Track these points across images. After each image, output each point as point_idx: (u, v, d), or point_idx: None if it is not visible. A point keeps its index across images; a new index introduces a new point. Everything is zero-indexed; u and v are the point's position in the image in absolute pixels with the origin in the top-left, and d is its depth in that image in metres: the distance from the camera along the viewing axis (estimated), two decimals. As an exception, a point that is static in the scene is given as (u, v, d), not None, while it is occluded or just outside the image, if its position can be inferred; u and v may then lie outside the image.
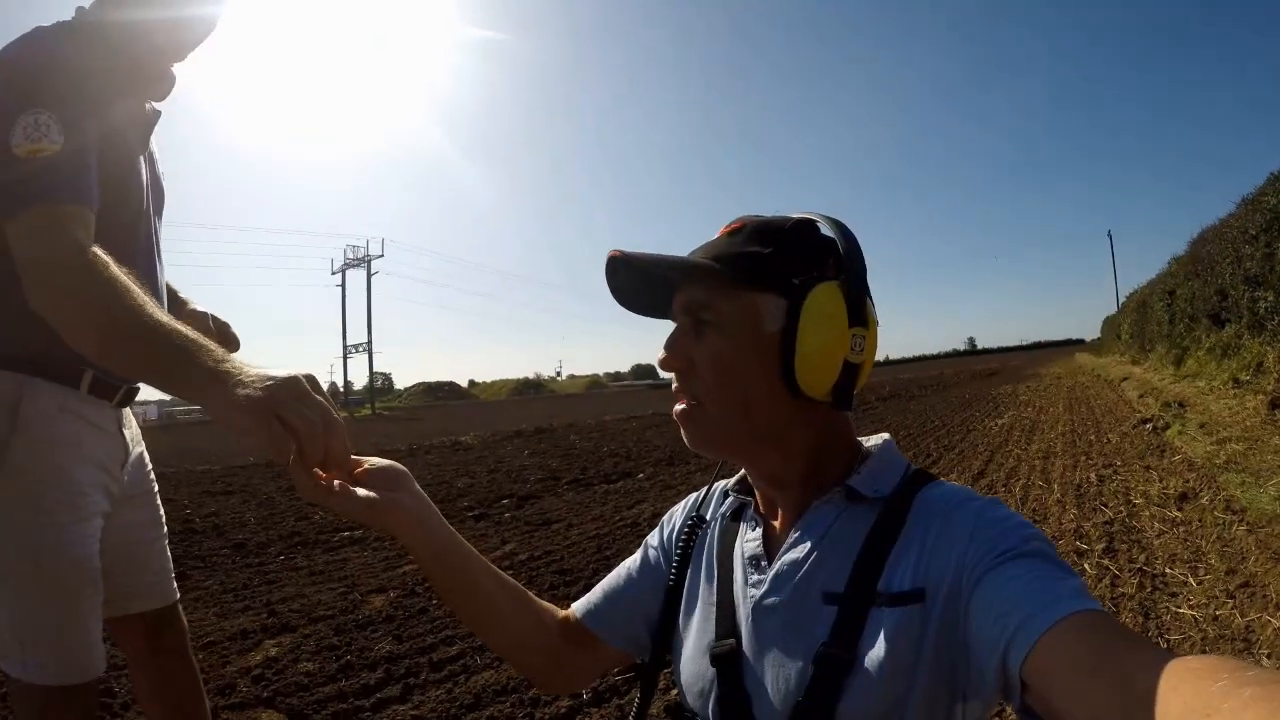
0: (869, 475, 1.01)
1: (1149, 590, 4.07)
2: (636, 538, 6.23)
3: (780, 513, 1.06)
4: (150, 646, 2.04)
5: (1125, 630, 0.70)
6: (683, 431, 1.03)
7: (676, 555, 1.16)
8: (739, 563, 1.07)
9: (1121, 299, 43.73)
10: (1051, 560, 0.82)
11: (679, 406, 1.03)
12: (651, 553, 1.24)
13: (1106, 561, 4.58)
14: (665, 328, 1.06)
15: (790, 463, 1.02)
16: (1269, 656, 3.18)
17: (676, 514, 1.26)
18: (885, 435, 1.11)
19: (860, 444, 1.09)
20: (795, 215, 1.03)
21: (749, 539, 1.08)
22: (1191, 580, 4.11)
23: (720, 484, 1.21)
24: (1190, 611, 3.70)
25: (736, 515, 1.15)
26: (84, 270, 1.32)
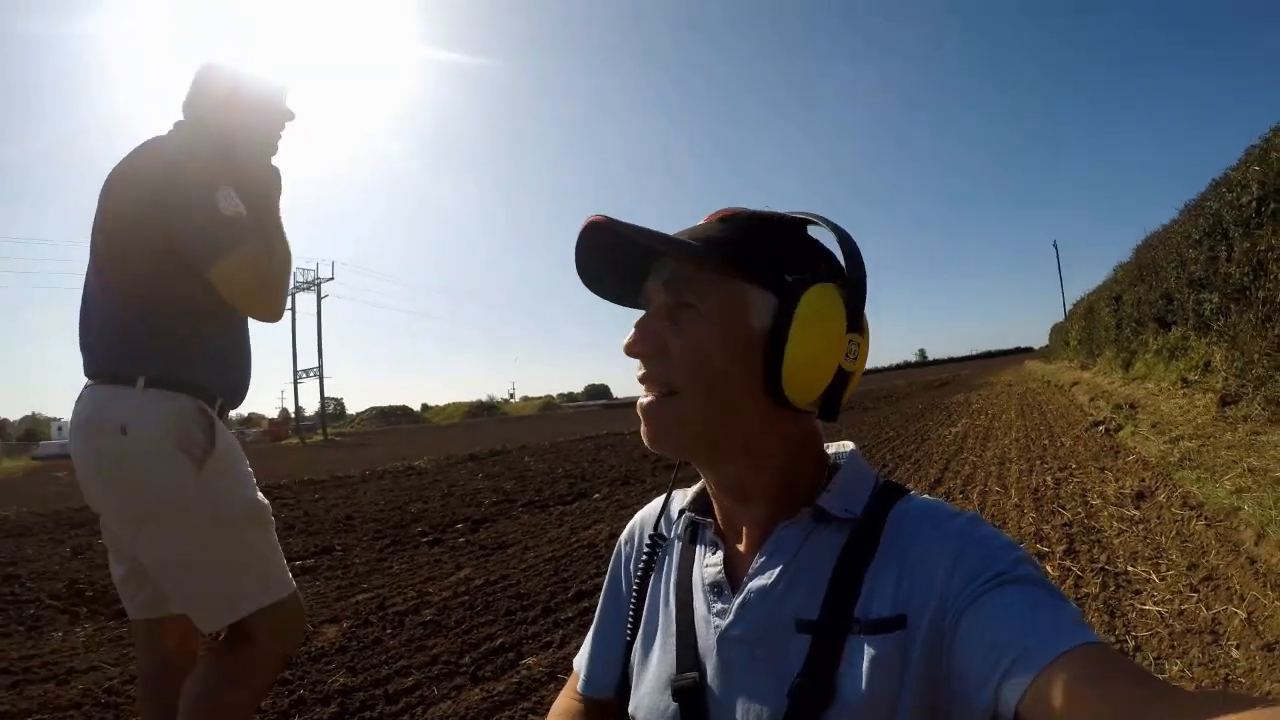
0: (839, 493, 0.94)
1: (1112, 589, 4.06)
2: (594, 559, 6.17)
3: (743, 532, 0.98)
4: (180, 650, 2.44)
5: (1131, 665, 0.65)
6: (647, 425, 0.91)
7: (636, 578, 1.08)
8: (699, 590, 0.98)
9: (1068, 306, 44.59)
10: (1044, 586, 0.76)
11: (646, 398, 0.92)
12: (611, 585, 1.16)
13: (1069, 563, 4.58)
14: (619, 335, 0.95)
15: (760, 474, 0.94)
16: (1237, 647, 3.18)
17: (635, 530, 1.16)
18: (849, 444, 1.03)
19: (828, 456, 1.01)
20: (792, 212, 0.95)
21: (709, 564, 0.99)
22: (1154, 577, 4.11)
23: (678, 495, 1.12)
24: (1155, 608, 3.70)
25: (693, 537, 1.05)
26: (280, 281, 2.29)
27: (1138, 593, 3.97)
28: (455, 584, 5.77)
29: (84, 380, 2.18)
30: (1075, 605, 0.74)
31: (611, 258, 0.94)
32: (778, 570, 0.90)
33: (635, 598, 1.06)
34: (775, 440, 0.93)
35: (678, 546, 1.06)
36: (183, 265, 2.10)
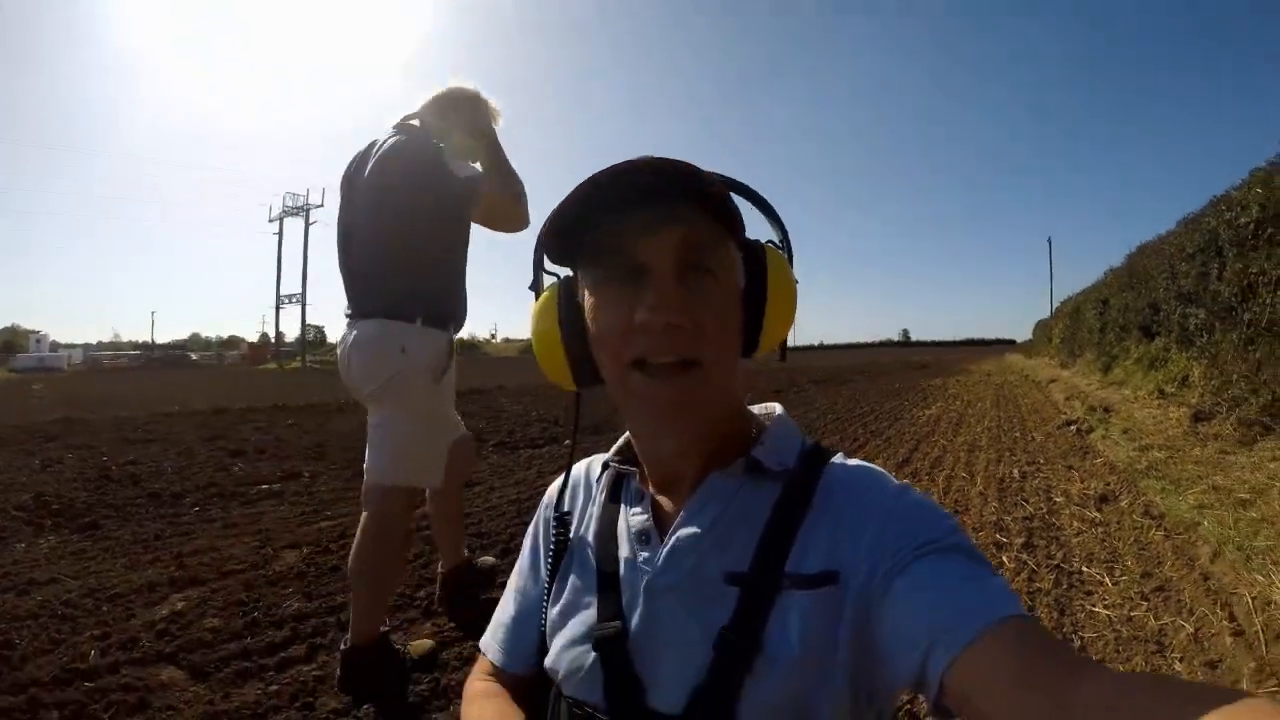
0: (771, 447, 0.95)
1: (1065, 587, 4.11)
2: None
3: (670, 485, 0.99)
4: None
5: (1055, 640, 0.67)
6: (673, 405, 0.87)
7: (549, 554, 1.06)
8: (624, 539, 0.98)
9: (1056, 304, 44.77)
10: (974, 557, 0.78)
11: (665, 360, 0.85)
12: (529, 555, 1.13)
13: (1025, 556, 4.62)
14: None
15: (714, 428, 0.95)
16: (1180, 660, 3.22)
17: (548, 497, 1.15)
18: (777, 405, 1.06)
19: (755, 413, 1.04)
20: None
21: (634, 513, 0.99)
22: (1107, 580, 4.16)
23: (581, 465, 1.12)
24: (1105, 611, 3.75)
25: (615, 490, 1.05)
26: (518, 201, 3.25)
27: (1089, 594, 4.02)
28: (417, 518, 5.81)
29: (340, 307, 3.24)
30: (1004, 578, 0.75)
31: (620, 200, 0.86)
32: (709, 521, 0.91)
33: (550, 568, 1.05)
34: (734, 392, 0.97)
35: (597, 501, 1.06)
36: (445, 222, 3.13)
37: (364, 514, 3.21)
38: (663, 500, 0.99)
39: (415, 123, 3.24)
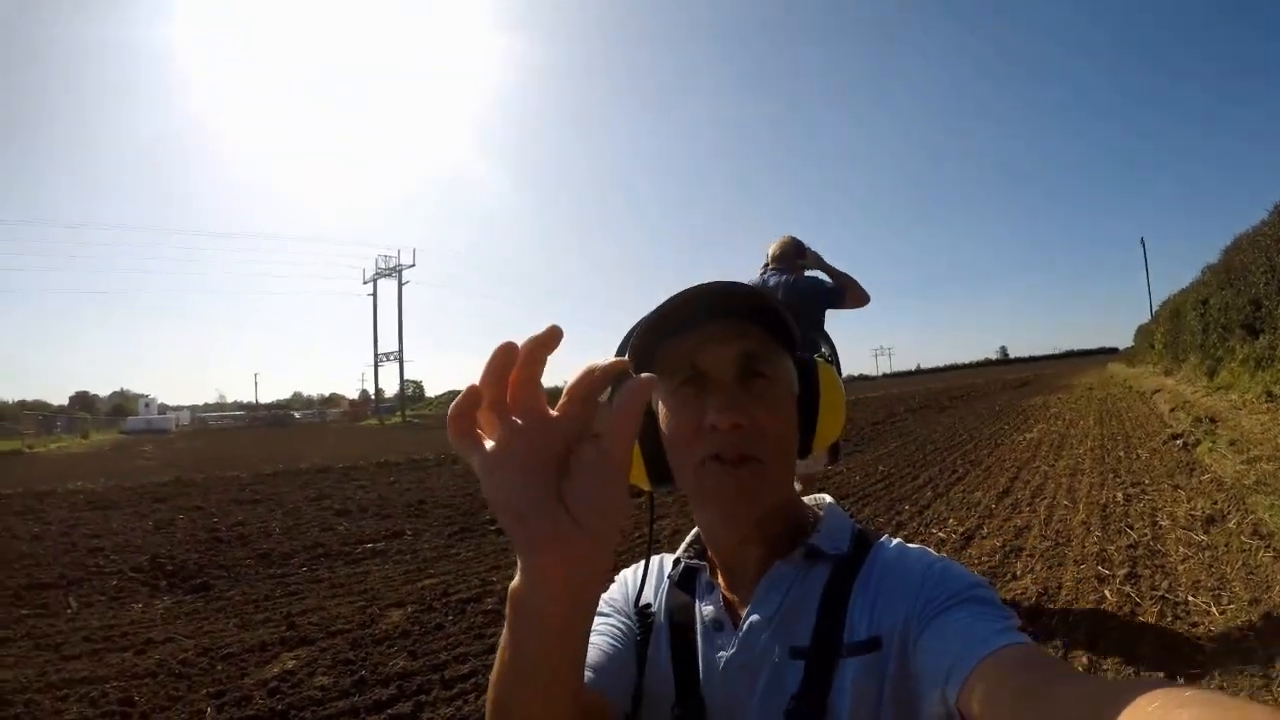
0: (827, 534, 1.04)
1: (1169, 619, 4.01)
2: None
3: (736, 575, 1.07)
4: None
5: (1050, 659, 0.77)
6: (739, 495, 0.96)
7: (637, 620, 1.12)
8: (699, 628, 1.06)
9: (1155, 307, 43.13)
10: (993, 605, 0.86)
11: (728, 465, 0.94)
12: (612, 617, 1.15)
13: (1128, 588, 4.51)
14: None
15: (774, 520, 1.04)
16: (1285, 692, 3.12)
17: (628, 579, 1.20)
18: (826, 496, 1.16)
19: (808, 504, 1.13)
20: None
21: (707, 603, 1.07)
22: (1214, 609, 4.04)
23: (654, 562, 1.17)
24: (1210, 644, 3.64)
25: (686, 582, 1.13)
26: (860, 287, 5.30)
27: (1195, 625, 3.90)
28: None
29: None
30: (1015, 618, 0.83)
31: (685, 311, 0.97)
32: (775, 605, 1.00)
33: (637, 658, 1.08)
34: (791, 488, 1.07)
35: (666, 590, 1.14)
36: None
37: None
38: (731, 593, 1.07)
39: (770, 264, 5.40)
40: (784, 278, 5.18)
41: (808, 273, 5.29)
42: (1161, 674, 3.43)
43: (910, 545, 1.04)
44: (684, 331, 0.98)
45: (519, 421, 0.57)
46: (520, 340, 0.57)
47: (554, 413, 0.57)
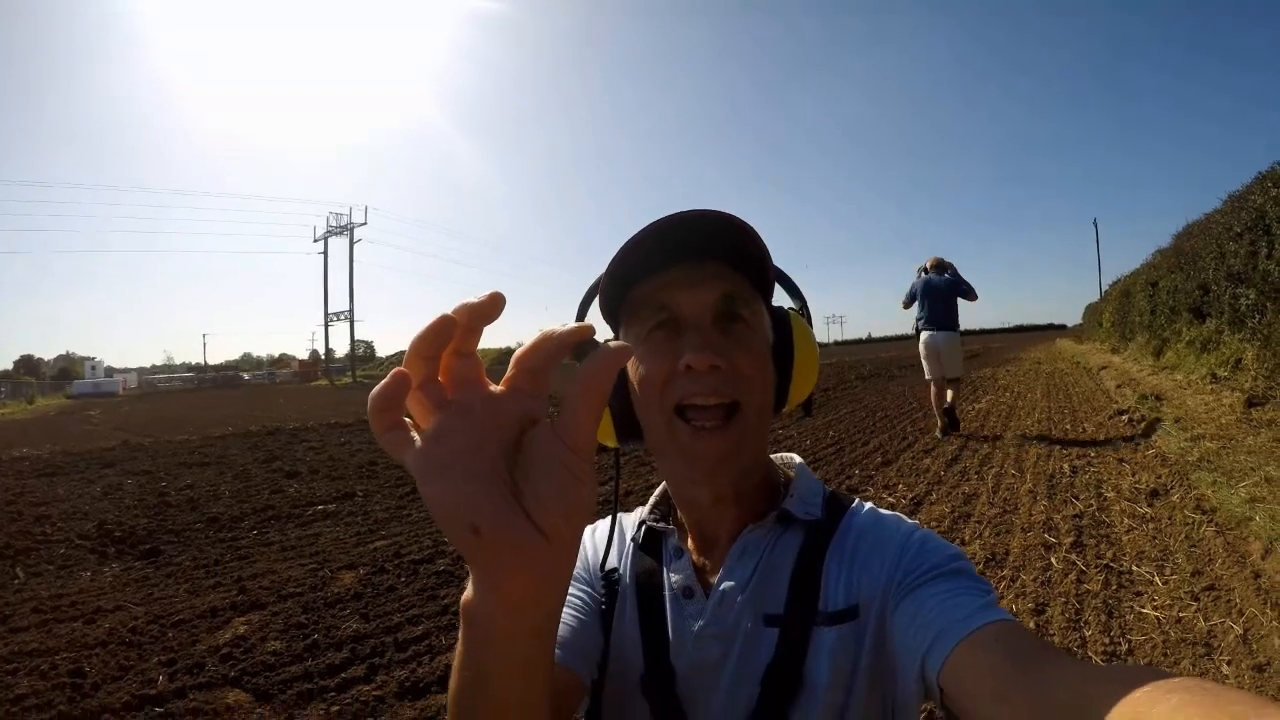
0: (799, 498, 1.02)
1: (1114, 588, 4.09)
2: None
3: (707, 538, 1.04)
4: None
5: (1037, 639, 0.73)
6: (721, 443, 0.91)
7: (601, 586, 1.08)
8: (667, 594, 1.03)
9: (1105, 287, 43.96)
10: (973, 579, 0.86)
11: (709, 403, 0.89)
12: (572, 584, 1.07)
13: (1074, 556, 4.60)
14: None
15: (749, 478, 1.02)
16: (1229, 663, 3.20)
17: (587, 543, 1.15)
18: (795, 455, 1.13)
19: (777, 465, 1.10)
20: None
21: (675, 570, 1.04)
22: (1157, 580, 4.13)
23: (615, 522, 1.12)
24: (1154, 612, 3.73)
25: (650, 545, 1.10)
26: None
27: (1139, 594, 3.99)
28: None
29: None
30: (995, 593, 0.83)
31: (661, 247, 0.90)
32: (747, 571, 0.98)
33: (604, 625, 1.05)
34: (766, 444, 1.03)
35: (630, 551, 1.11)
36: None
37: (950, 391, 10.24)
38: (700, 558, 1.05)
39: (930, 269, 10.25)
40: (944, 276, 10.14)
41: (947, 274, 10.20)
42: (1107, 639, 3.51)
43: (884, 511, 1.02)
44: (657, 273, 0.93)
45: (458, 403, 0.49)
46: (459, 309, 0.49)
47: (498, 389, 0.50)
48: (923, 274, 10.22)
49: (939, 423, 10.19)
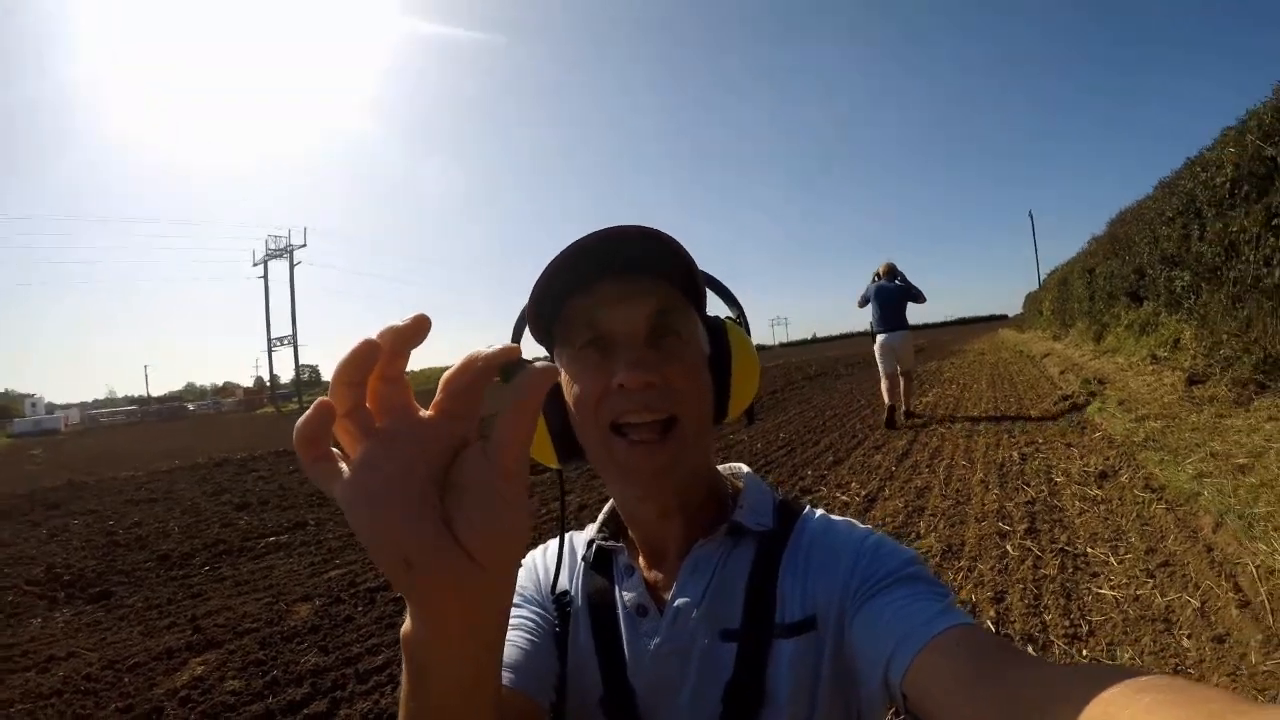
0: (749, 509, 1.01)
1: (1070, 571, 4.16)
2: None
3: (657, 554, 1.03)
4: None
5: (999, 641, 0.74)
6: (659, 457, 0.89)
7: (554, 608, 1.06)
8: (621, 613, 1.01)
9: (1043, 276, 44.88)
10: (930, 583, 0.85)
11: (644, 419, 0.88)
12: (524, 608, 1.06)
13: (1029, 542, 4.67)
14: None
15: (694, 491, 1.00)
16: (1189, 637, 3.26)
17: (538, 564, 1.13)
18: (743, 465, 1.12)
19: (725, 475, 1.10)
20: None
21: (628, 588, 1.02)
22: (1112, 560, 4.21)
23: (564, 542, 1.10)
24: (1111, 592, 3.79)
25: (600, 564, 1.08)
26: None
27: (1095, 575, 4.06)
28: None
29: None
30: (954, 595, 0.83)
31: (588, 264, 0.88)
32: (701, 586, 0.96)
33: (558, 649, 1.03)
34: (710, 456, 1.03)
35: (580, 571, 1.08)
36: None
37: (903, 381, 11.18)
38: (652, 574, 1.03)
39: (881, 276, 11.32)
40: (894, 282, 11.19)
41: (897, 280, 11.23)
42: (1068, 622, 3.56)
43: (835, 518, 1.01)
44: (585, 289, 0.90)
45: (386, 430, 0.48)
46: (383, 333, 0.48)
47: (427, 413, 0.49)
48: (876, 279, 11.32)
49: (894, 409, 10.95)
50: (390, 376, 0.49)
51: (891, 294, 11.17)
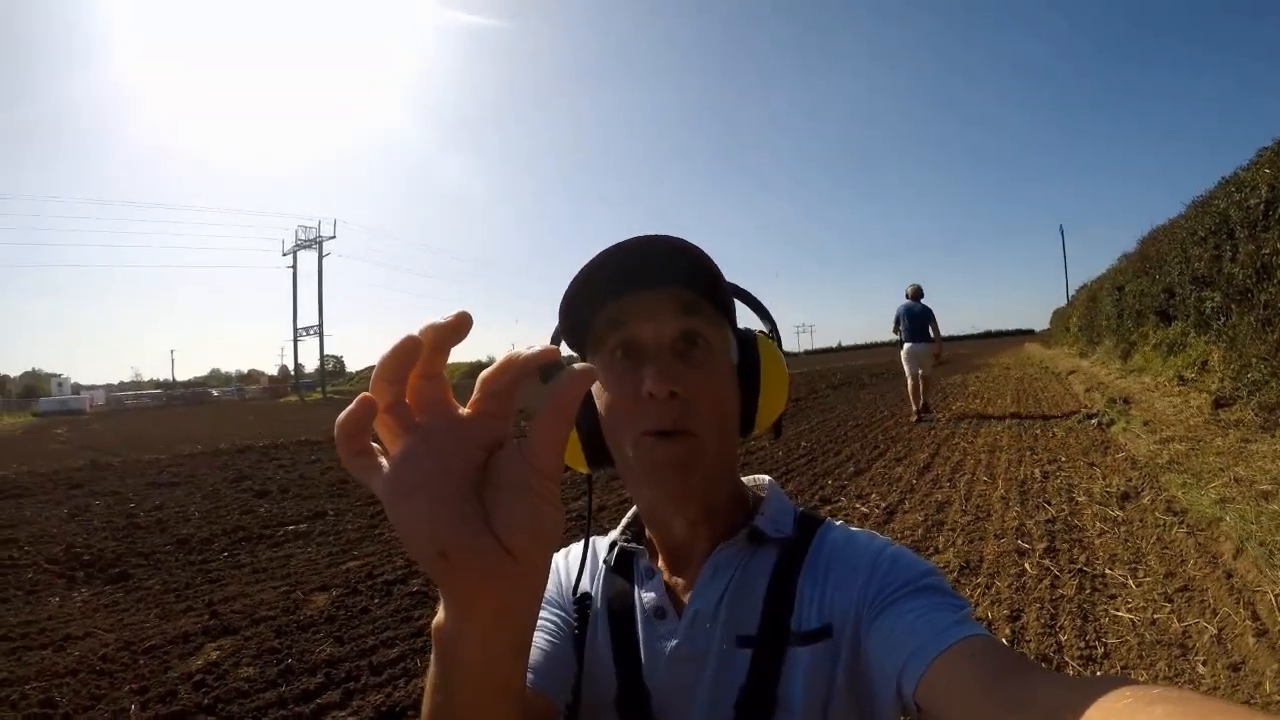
0: (770, 516, 1.02)
1: (1088, 591, 4.13)
2: (583, 532, 6.25)
3: (679, 560, 1.03)
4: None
5: (1012, 652, 0.73)
6: (673, 470, 0.90)
7: (574, 610, 1.06)
8: (639, 615, 1.02)
9: (1071, 292, 44.51)
10: (946, 594, 0.85)
11: (661, 439, 0.89)
12: (544, 609, 1.06)
13: (1047, 562, 4.64)
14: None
15: (719, 499, 1.01)
16: (1204, 664, 3.24)
17: (560, 566, 1.14)
18: (766, 477, 1.12)
19: (748, 485, 1.10)
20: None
21: (647, 590, 1.03)
22: (1131, 582, 4.17)
23: (583, 548, 1.11)
24: (1128, 614, 3.76)
25: (622, 566, 1.09)
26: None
27: (1113, 597, 4.03)
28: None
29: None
30: (970, 606, 0.82)
31: (619, 274, 0.89)
32: (719, 591, 0.96)
33: (576, 650, 1.03)
34: (735, 467, 1.03)
35: (603, 576, 1.09)
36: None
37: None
38: (673, 578, 1.04)
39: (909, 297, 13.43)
40: (919, 303, 13.25)
41: (922, 301, 13.31)
42: (1083, 643, 3.53)
43: (855, 529, 1.01)
44: (615, 298, 0.92)
45: (425, 426, 0.49)
46: (425, 330, 0.50)
47: (465, 411, 0.50)
48: (906, 298, 13.54)
49: (913, 408, 13.47)
50: (430, 373, 0.50)
51: (916, 313, 13.39)
